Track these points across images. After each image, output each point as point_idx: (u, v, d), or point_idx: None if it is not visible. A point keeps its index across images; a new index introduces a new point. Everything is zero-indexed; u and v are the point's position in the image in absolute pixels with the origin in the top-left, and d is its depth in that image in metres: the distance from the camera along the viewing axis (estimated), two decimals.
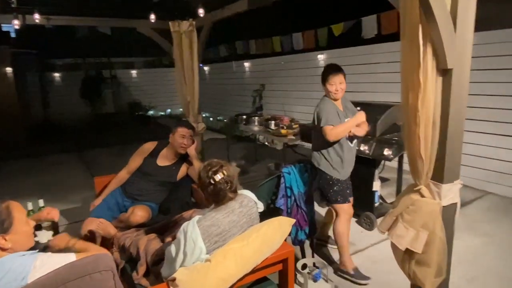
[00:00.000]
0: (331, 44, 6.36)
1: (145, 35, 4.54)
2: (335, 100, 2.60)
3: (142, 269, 1.98)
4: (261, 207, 1.89)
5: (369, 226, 3.36)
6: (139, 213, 2.55)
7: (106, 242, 2.30)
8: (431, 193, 1.54)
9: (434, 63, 1.38)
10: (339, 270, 2.66)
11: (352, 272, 2.58)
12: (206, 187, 1.70)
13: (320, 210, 3.50)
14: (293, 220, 1.84)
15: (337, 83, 2.53)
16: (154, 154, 2.92)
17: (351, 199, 2.70)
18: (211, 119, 10.40)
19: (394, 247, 1.67)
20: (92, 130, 9.78)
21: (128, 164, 2.93)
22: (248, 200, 1.80)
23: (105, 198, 2.78)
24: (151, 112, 11.88)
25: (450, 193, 1.54)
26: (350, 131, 2.51)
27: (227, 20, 4.14)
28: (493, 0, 3.45)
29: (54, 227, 2.05)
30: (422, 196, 1.55)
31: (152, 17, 3.84)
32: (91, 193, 3.34)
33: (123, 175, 2.91)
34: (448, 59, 1.36)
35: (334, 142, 2.50)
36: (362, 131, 2.55)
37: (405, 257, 1.62)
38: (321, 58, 6.68)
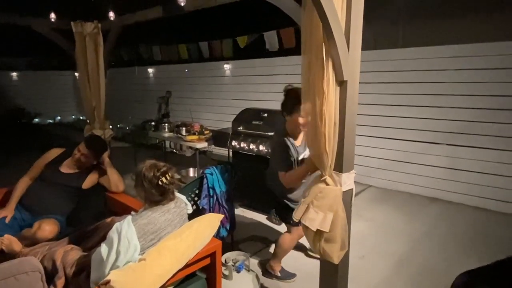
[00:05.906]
0: (237, 55, 6.73)
1: (27, 33, 4.06)
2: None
3: (60, 282, 1.85)
4: (190, 208, 1.99)
5: (278, 221, 3.70)
6: (48, 228, 2.35)
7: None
8: (333, 181, 1.86)
9: (333, 75, 1.72)
10: (266, 272, 2.81)
11: (278, 274, 2.76)
12: (153, 187, 1.73)
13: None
14: (221, 216, 1.99)
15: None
16: (58, 160, 2.76)
17: None
18: (110, 126, 9.76)
19: (306, 230, 1.93)
20: None
21: (30, 169, 2.71)
22: (181, 202, 1.89)
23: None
24: (37, 120, 10.50)
25: (348, 180, 1.90)
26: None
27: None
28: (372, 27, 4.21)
29: None
30: (327, 184, 1.86)
31: (52, 15, 3.52)
32: None
33: (26, 181, 2.68)
34: (344, 73, 1.71)
35: None
36: None
37: (316, 237, 1.90)
38: (227, 67, 6.99)
